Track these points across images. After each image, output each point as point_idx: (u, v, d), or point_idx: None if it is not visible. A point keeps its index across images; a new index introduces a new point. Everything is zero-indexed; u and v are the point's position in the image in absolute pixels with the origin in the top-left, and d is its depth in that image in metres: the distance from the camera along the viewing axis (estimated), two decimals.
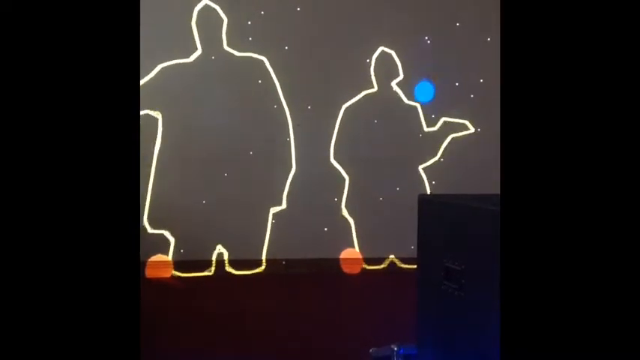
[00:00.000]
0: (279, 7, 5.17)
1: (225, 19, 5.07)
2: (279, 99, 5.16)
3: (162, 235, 5.04)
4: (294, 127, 5.18)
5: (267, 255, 5.21)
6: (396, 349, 3.01)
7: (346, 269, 5.25)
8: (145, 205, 4.91)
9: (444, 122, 5.37)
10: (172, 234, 5.05)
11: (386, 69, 5.34)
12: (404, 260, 5.20)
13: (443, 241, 2.56)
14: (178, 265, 5.08)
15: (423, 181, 5.36)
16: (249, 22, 5.11)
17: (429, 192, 5.41)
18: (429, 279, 2.67)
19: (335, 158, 5.27)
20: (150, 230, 4.98)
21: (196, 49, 5.02)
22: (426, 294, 2.74)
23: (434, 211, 2.68)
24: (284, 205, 5.19)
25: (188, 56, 5.01)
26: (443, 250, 2.56)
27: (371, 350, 3.08)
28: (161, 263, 5.05)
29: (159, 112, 4.96)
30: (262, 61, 5.12)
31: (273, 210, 5.19)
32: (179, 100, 5.05)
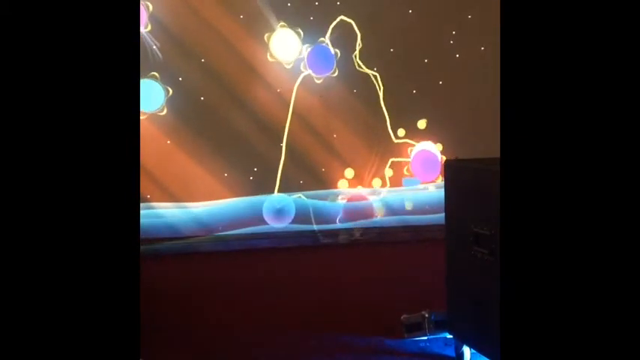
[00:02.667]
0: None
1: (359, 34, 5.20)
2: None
3: None
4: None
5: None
6: (427, 315, 3.02)
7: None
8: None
9: None
10: None
11: None
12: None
13: (471, 206, 2.55)
14: None
15: None
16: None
17: None
18: (458, 245, 2.66)
19: None
20: None
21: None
22: (454, 259, 2.73)
23: (461, 177, 2.66)
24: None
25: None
26: (471, 215, 2.54)
27: (403, 317, 3.09)
28: None
29: None
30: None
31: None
32: None
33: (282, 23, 5.13)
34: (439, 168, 5.25)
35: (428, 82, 5.42)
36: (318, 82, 5.27)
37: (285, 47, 5.17)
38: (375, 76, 5.36)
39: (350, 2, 5.29)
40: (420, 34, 5.37)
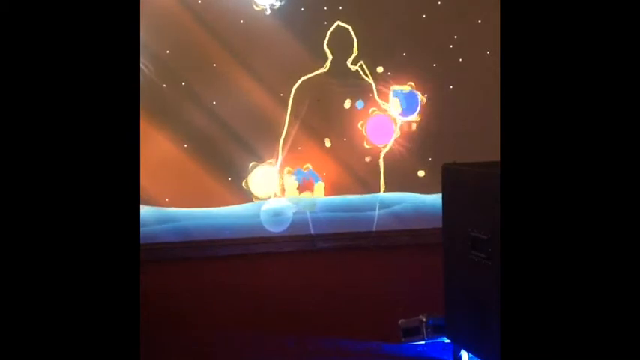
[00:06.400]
0: None
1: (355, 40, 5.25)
2: None
3: None
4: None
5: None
6: (424, 319, 3.02)
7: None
8: None
9: None
10: None
11: None
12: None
13: (468, 210, 2.56)
14: None
15: None
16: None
17: None
18: (455, 249, 2.67)
19: None
20: None
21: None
22: (452, 264, 2.74)
23: (458, 181, 2.67)
24: None
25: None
26: (468, 219, 2.55)
27: (400, 321, 3.10)
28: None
29: None
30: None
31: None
32: None
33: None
34: (392, 132, 5.38)
35: (438, 85, 5.45)
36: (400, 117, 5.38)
37: None
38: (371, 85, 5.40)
39: (350, 6, 5.33)
40: (429, 37, 5.41)
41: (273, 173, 5.29)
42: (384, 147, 5.44)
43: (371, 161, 5.47)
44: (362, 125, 5.38)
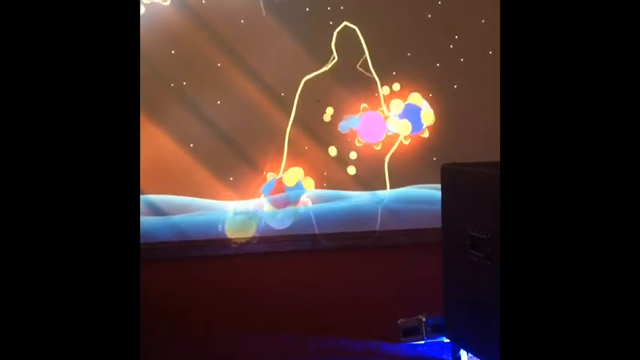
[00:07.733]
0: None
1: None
2: None
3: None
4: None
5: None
6: (424, 319, 3.02)
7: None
8: None
9: None
10: None
11: None
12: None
13: (467, 210, 2.56)
14: None
15: None
16: None
17: None
18: (454, 248, 2.67)
19: None
20: None
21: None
22: (451, 263, 2.74)
23: (457, 180, 2.67)
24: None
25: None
26: (467, 219, 2.55)
27: (399, 321, 3.10)
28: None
29: None
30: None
31: None
32: None
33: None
34: (384, 130, 5.40)
35: (441, 85, 5.45)
36: (405, 142, 5.39)
37: None
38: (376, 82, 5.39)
39: (355, 7, 5.33)
40: (432, 38, 5.41)
41: (250, 217, 5.29)
42: (376, 144, 5.44)
43: (375, 160, 5.48)
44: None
